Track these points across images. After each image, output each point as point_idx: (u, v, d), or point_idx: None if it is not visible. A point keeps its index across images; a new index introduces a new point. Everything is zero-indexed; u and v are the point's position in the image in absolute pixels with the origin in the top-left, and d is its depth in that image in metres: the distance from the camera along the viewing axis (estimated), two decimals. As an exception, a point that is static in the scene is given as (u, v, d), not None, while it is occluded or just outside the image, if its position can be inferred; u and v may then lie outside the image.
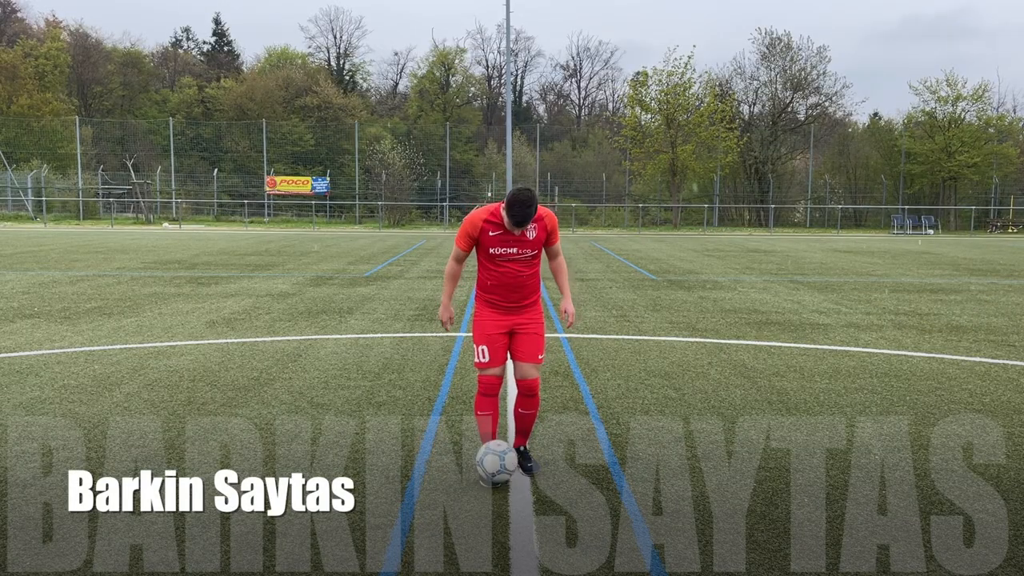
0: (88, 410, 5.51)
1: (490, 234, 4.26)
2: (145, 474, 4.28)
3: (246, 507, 3.85)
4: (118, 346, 7.85)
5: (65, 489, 4.05)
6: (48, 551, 3.38)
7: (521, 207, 4.09)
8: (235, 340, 8.23)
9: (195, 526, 3.63)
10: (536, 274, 4.39)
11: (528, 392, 4.42)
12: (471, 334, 4.51)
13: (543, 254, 4.46)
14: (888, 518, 3.79)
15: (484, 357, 4.33)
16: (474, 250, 4.40)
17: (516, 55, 70.61)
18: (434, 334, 8.74)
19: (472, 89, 68.56)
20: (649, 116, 49.35)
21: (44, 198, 45.86)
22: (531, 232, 4.26)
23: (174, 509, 3.82)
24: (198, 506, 3.85)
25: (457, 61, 66.22)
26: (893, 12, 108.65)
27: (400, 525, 3.67)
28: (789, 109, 54.64)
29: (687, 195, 50.73)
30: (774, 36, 53.79)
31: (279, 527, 3.63)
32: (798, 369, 7.08)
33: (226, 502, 3.90)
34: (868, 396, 6.12)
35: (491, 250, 4.27)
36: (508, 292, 4.33)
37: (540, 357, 4.43)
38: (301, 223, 46.90)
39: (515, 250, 4.27)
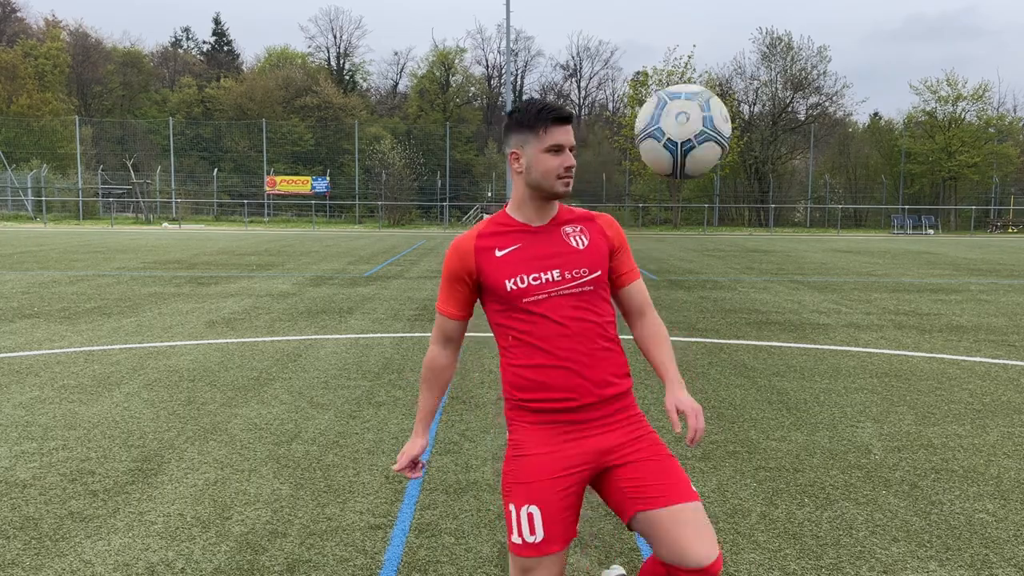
0: (88, 410, 5.51)
1: (496, 253, 2.24)
2: (145, 474, 4.28)
3: (246, 507, 3.85)
4: (118, 346, 7.85)
5: (65, 489, 4.05)
6: (48, 551, 3.37)
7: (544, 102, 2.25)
8: (235, 340, 8.23)
9: (195, 526, 3.63)
10: (612, 323, 2.28)
11: None
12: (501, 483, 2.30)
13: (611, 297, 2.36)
14: (888, 518, 3.79)
15: (532, 533, 2.17)
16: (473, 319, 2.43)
17: (516, 55, 70.59)
18: (434, 334, 8.73)
19: (472, 89, 68.56)
20: (649, 116, 49.28)
21: (44, 198, 45.86)
22: (578, 238, 2.29)
23: (174, 509, 3.82)
24: (198, 506, 3.85)
25: (457, 61, 66.24)
26: (896, 11, 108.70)
27: (400, 525, 3.67)
28: (789, 109, 54.65)
29: (687, 195, 50.72)
30: (775, 36, 53.81)
31: (278, 527, 3.63)
32: (798, 369, 7.07)
33: (225, 502, 3.90)
34: (868, 396, 6.11)
35: (508, 284, 2.21)
36: (566, 371, 2.19)
37: (698, 504, 2.19)
38: (301, 223, 46.89)
39: (556, 273, 2.21)
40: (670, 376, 2.31)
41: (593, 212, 2.39)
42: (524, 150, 2.23)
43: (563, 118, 2.22)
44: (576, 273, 2.22)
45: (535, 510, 2.17)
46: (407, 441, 2.44)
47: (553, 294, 2.20)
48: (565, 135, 2.22)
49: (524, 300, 2.20)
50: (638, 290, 2.37)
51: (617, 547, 3.48)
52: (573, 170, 2.24)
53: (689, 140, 2.46)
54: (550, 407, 2.21)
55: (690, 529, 2.13)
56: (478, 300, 2.37)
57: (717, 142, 2.49)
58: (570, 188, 2.24)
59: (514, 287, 2.21)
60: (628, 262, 2.37)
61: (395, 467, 2.39)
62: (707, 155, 2.46)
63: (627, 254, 2.37)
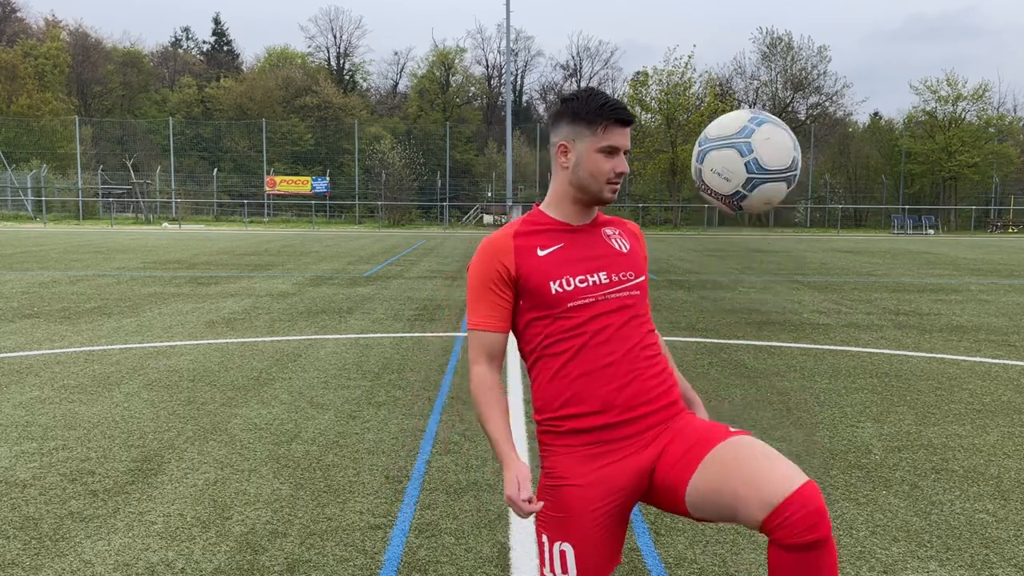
0: (88, 410, 5.50)
1: (539, 253, 2.03)
2: (145, 474, 4.28)
3: (246, 507, 3.85)
4: (118, 346, 7.85)
5: (65, 489, 4.05)
6: (48, 551, 3.37)
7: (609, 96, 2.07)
8: (235, 340, 8.23)
9: (195, 526, 3.63)
10: (655, 331, 2.16)
11: (809, 528, 1.70)
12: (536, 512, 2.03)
13: None
14: (888, 518, 3.79)
15: (565, 571, 2.01)
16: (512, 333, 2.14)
17: (516, 55, 70.61)
18: (434, 334, 8.74)
19: (472, 89, 68.57)
20: (649, 116, 49.36)
21: (44, 198, 45.87)
22: (619, 241, 2.16)
23: (174, 509, 3.82)
24: (198, 506, 3.85)
25: (457, 61, 66.26)
26: (896, 11, 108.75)
27: (400, 525, 3.67)
28: (789, 109, 54.69)
29: (687, 195, 50.73)
30: (775, 36, 53.82)
31: (278, 527, 3.63)
32: (798, 369, 7.07)
33: (225, 502, 3.90)
34: (868, 396, 6.11)
35: (554, 286, 2.01)
36: (610, 384, 1.99)
37: (751, 437, 1.96)
38: (301, 223, 46.89)
39: (603, 275, 2.04)
40: (695, 401, 2.26)
41: (618, 218, 2.27)
42: (575, 145, 2.04)
43: (625, 121, 2.04)
44: (623, 276, 2.07)
45: (568, 548, 1.99)
46: (505, 474, 1.99)
47: (600, 298, 2.02)
48: (623, 138, 2.05)
49: (569, 304, 2.00)
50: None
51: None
52: (623, 177, 2.09)
53: (773, 171, 2.01)
54: (587, 425, 1.99)
55: (754, 460, 1.80)
56: None
57: (789, 182, 2.09)
58: (615, 196, 2.11)
59: (560, 289, 2.00)
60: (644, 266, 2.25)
61: (515, 502, 1.94)
62: (775, 192, 2.06)
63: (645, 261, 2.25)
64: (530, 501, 1.93)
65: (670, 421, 2.04)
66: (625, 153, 2.07)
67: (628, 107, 2.07)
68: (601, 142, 2.02)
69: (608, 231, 2.15)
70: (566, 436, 2.02)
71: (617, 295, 2.05)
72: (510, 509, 3.87)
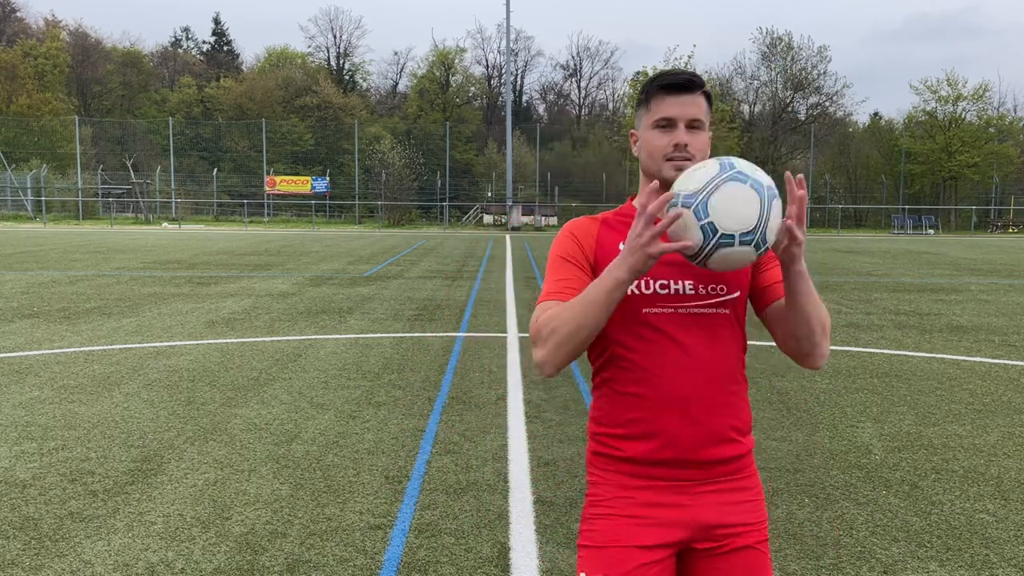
0: (88, 410, 5.50)
1: (621, 247, 1.70)
2: (145, 474, 4.28)
3: (246, 507, 3.84)
4: (117, 346, 7.85)
5: (65, 489, 4.05)
6: (48, 551, 3.37)
7: (674, 70, 1.85)
8: (234, 340, 8.23)
9: (195, 526, 3.62)
10: (743, 361, 1.87)
11: None
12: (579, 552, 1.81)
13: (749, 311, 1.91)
14: (888, 518, 3.79)
15: None
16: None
17: (516, 55, 70.62)
18: (434, 334, 8.73)
19: (472, 89, 68.58)
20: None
21: (43, 198, 45.88)
22: None
23: (174, 509, 3.81)
24: (198, 506, 3.85)
25: (457, 61, 66.26)
26: (897, 11, 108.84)
27: (400, 525, 3.67)
28: (789, 109, 54.69)
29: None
30: (775, 36, 53.83)
31: (278, 527, 3.63)
32: (798, 369, 7.07)
33: (225, 502, 3.90)
34: (868, 396, 6.11)
35: (630, 287, 1.70)
36: (678, 413, 1.74)
37: None
38: (301, 223, 46.90)
39: (689, 285, 1.77)
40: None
41: None
42: (639, 127, 1.85)
43: (674, 85, 1.77)
44: (713, 290, 1.76)
45: None
46: (624, 259, 1.60)
47: (681, 311, 1.74)
48: (678, 107, 1.76)
49: (645, 311, 1.73)
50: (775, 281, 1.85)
51: None
52: (691, 149, 1.74)
53: (733, 235, 1.62)
54: (647, 456, 1.74)
55: None
56: None
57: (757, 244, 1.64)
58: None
59: (636, 291, 1.73)
60: (779, 273, 1.80)
61: (650, 214, 1.55)
62: (741, 258, 1.65)
63: (777, 266, 1.81)
64: (659, 201, 1.56)
65: (746, 478, 1.79)
66: (694, 125, 1.76)
67: (692, 75, 1.78)
68: (653, 116, 1.79)
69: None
70: (619, 463, 1.77)
71: (702, 310, 1.75)
72: (510, 510, 3.87)
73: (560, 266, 1.80)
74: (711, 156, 1.86)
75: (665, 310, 1.73)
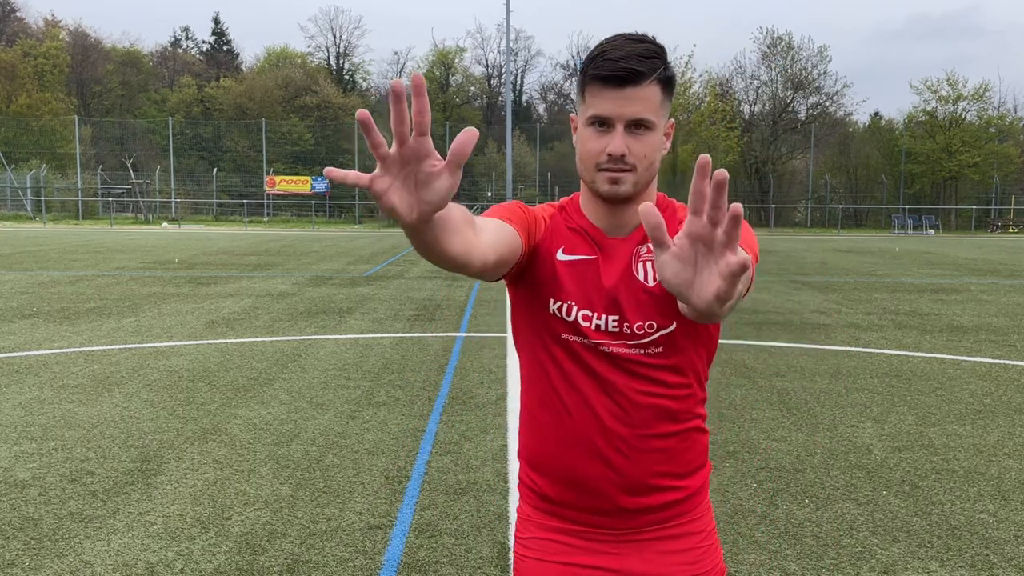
0: (87, 410, 5.50)
1: (559, 255, 1.51)
2: (145, 475, 4.28)
3: (246, 507, 3.84)
4: (117, 346, 7.85)
5: (64, 489, 4.05)
6: (48, 551, 3.37)
7: (625, 42, 1.41)
8: (234, 340, 8.23)
9: (194, 526, 3.62)
10: (688, 398, 1.54)
11: None
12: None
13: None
14: (889, 518, 3.79)
15: None
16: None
17: (516, 55, 70.60)
18: (434, 334, 8.73)
19: (472, 89, 68.59)
20: (649, 116, 49.37)
21: (43, 198, 45.87)
22: (653, 268, 1.48)
23: (174, 509, 3.81)
24: (197, 506, 3.85)
25: (457, 61, 66.27)
26: (898, 11, 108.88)
27: (400, 525, 3.66)
28: (790, 109, 54.67)
29: (688, 194, 50.72)
30: (775, 36, 53.83)
31: (278, 527, 3.62)
32: (798, 369, 7.07)
33: (225, 502, 3.89)
34: (869, 396, 6.11)
35: (552, 304, 1.50)
36: (595, 457, 1.50)
37: None
38: (301, 223, 46.90)
39: (613, 321, 1.48)
40: None
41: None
42: (578, 114, 1.49)
43: (614, 77, 1.38)
44: (640, 328, 1.46)
45: None
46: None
47: (602, 347, 1.47)
48: (616, 103, 1.39)
49: (563, 336, 1.50)
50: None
51: None
52: (631, 159, 1.41)
53: None
54: (563, 499, 1.52)
55: None
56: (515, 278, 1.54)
57: None
58: (620, 189, 1.43)
59: (556, 313, 1.49)
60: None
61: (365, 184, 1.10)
62: None
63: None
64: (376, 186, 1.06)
65: (688, 523, 1.55)
66: (639, 125, 1.41)
67: (642, 56, 1.38)
68: (587, 111, 1.43)
69: (644, 250, 1.49)
70: (539, 500, 1.57)
71: (627, 350, 1.47)
72: (510, 510, 3.87)
73: (512, 209, 1.49)
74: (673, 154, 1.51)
75: (585, 342, 1.48)
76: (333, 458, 4.56)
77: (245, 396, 5.92)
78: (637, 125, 1.40)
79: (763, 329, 9.28)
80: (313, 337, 8.46)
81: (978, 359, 7.63)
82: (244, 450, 4.69)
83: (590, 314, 1.47)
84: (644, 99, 1.39)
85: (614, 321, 1.46)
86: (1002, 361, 7.55)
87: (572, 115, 1.52)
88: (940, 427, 5.29)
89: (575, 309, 1.48)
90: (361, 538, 3.53)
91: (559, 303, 1.49)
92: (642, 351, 1.47)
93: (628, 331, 1.46)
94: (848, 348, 8.14)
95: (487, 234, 1.34)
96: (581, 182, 1.51)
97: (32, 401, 5.73)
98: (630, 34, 1.42)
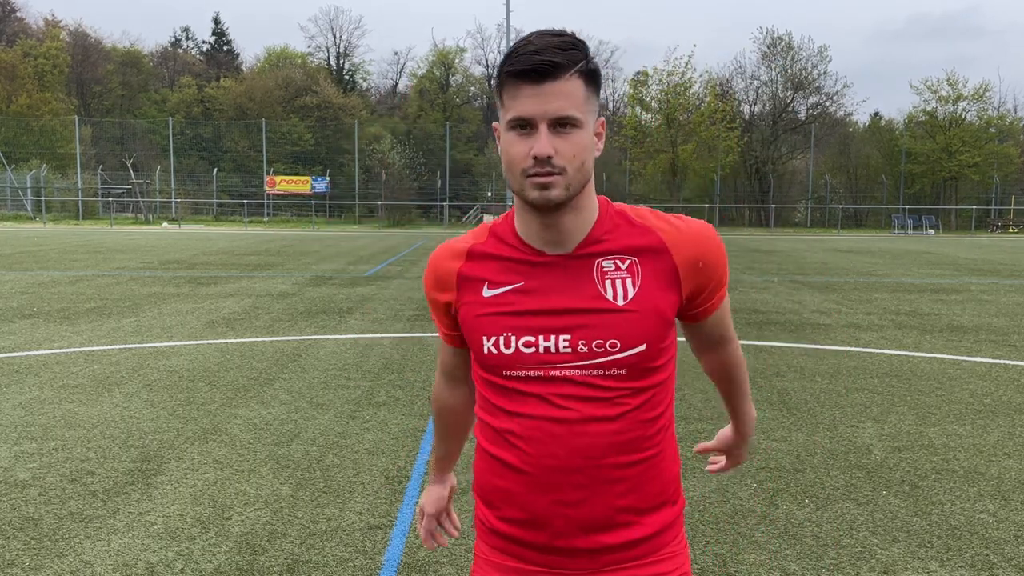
0: (88, 410, 5.50)
1: (484, 293, 1.45)
2: (145, 475, 4.28)
3: (246, 507, 3.84)
4: (117, 346, 7.85)
5: (64, 489, 4.05)
6: (48, 551, 3.37)
7: (540, 36, 1.33)
8: (234, 340, 8.23)
9: (194, 526, 3.62)
10: (654, 425, 1.45)
11: None
12: None
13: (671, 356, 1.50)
14: (889, 518, 3.79)
15: None
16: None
17: (516, 55, 70.51)
18: (434, 334, 8.73)
19: (472, 89, 68.58)
20: (649, 116, 49.37)
21: (43, 198, 45.86)
22: (620, 282, 1.41)
23: (174, 509, 3.81)
24: (198, 506, 3.85)
25: (457, 61, 66.27)
26: (899, 11, 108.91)
27: (400, 525, 3.66)
28: (790, 109, 54.65)
29: (687, 195, 50.75)
30: (775, 36, 53.81)
31: (278, 527, 3.62)
32: (798, 369, 7.07)
33: (225, 502, 3.89)
34: (869, 396, 6.11)
35: (487, 344, 1.43)
36: (547, 494, 1.42)
37: None
38: (301, 223, 46.90)
39: (565, 341, 1.39)
40: (737, 407, 1.73)
41: (675, 221, 1.50)
42: (499, 123, 1.40)
43: (531, 71, 1.29)
44: (600, 347, 1.37)
45: None
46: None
47: (553, 372, 1.38)
48: (536, 101, 1.30)
49: (506, 373, 1.41)
50: (716, 322, 1.54)
51: None
52: (559, 161, 1.31)
53: None
54: (518, 536, 1.44)
55: None
56: None
57: None
58: (551, 195, 1.33)
59: (493, 350, 1.41)
60: (713, 294, 1.49)
61: (421, 529, 1.77)
62: None
63: (716, 288, 1.49)
64: (428, 529, 1.76)
65: (652, 556, 1.45)
66: (564, 123, 1.31)
67: (559, 48, 1.30)
68: (507, 114, 1.34)
69: (608, 263, 1.40)
70: (491, 535, 1.50)
71: (583, 372, 1.38)
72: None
73: (432, 307, 1.55)
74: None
75: (531, 373, 1.39)
76: (333, 458, 4.56)
77: (245, 396, 5.92)
78: (562, 123, 1.31)
79: (763, 329, 9.28)
80: (313, 337, 8.46)
81: (978, 359, 7.63)
82: (244, 450, 4.69)
83: (533, 339, 1.39)
84: (567, 94, 1.30)
85: (566, 342, 1.38)
86: (1002, 361, 7.55)
87: (495, 123, 1.43)
88: (940, 427, 5.29)
89: (514, 339, 1.40)
90: (361, 538, 3.53)
91: (495, 338, 1.41)
92: (601, 372, 1.39)
93: (585, 350, 1.38)
94: (848, 348, 8.14)
95: (459, 375, 1.65)
96: (513, 195, 1.40)
97: (32, 401, 5.73)
98: (546, 29, 1.34)
